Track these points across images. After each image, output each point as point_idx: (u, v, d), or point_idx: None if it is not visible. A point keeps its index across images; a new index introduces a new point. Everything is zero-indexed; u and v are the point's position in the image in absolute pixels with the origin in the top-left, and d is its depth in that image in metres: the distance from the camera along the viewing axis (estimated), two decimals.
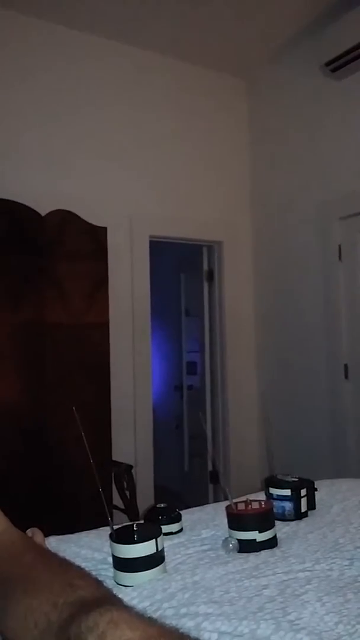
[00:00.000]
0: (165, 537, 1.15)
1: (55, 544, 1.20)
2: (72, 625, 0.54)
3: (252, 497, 1.35)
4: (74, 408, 1.12)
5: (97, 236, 3.05)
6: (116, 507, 2.85)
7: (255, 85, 3.90)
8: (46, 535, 1.07)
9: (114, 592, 0.72)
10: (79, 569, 0.75)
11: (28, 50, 3.11)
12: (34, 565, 0.75)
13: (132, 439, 3.29)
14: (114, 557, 1.05)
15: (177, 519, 1.32)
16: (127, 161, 3.42)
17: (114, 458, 2.96)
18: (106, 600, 0.62)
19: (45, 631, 0.58)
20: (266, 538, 1.18)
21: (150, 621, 0.56)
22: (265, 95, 3.82)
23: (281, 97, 3.67)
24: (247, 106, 3.95)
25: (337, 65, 3.02)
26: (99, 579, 0.74)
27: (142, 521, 1.31)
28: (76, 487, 2.59)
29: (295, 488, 1.38)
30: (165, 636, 0.50)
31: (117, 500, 2.88)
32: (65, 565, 0.75)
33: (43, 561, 0.76)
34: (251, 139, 3.93)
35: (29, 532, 0.96)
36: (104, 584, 0.73)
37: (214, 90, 3.81)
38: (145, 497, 3.12)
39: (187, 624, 0.84)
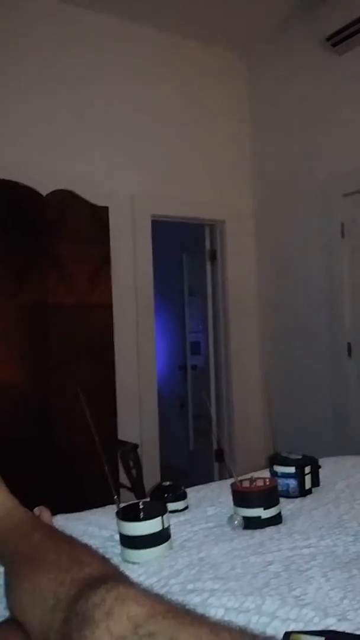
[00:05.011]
0: (171, 514, 1.16)
1: (63, 522, 1.21)
2: (80, 602, 0.55)
3: (256, 474, 1.36)
4: (78, 389, 1.12)
5: (98, 216, 3.03)
6: (122, 486, 2.88)
7: (256, 62, 3.83)
8: (53, 513, 1.08)
9: (121, 569, 0.73)
10: (86, 546, 0.76)
11: (26, 28, 3.06)
12: (42, 544, 0.75)
13: (137, 418, 3.31)
14: (121, 535, 1.06)
15: (183, 496, 1.33)
16: (128, 140, 3.38)
17: (119, 437, 2.98)
18: (113, 577, 0.63)
19: (53, 608, 0.58)
20: (271, 515, 1.19)
21: (157, 597, 0.56)
22: (267, 71, 3.76)
23: (282, 73, 3.61)
24: (249, 83, 3.88)
25: (338, 39, 2.98)
26: (106, 556, 0.75)
27: (148, 499, 1.32)
28: (83, 466, 2.60)
29: (300, 465, 1.39)
30: (171, 612, 0.51)
31: (123, 478, 2.91)
32: (73, 543, 0.76)
33: (51, 539, 0.77)
34: (253, 116, 3.88)
35: (36, 510, 0.96)
36: (111, 561, 0.74)
37: (215, 68, 3.75)
38: (151, 476, 3.14)
39: (193, 600, 0.85)
